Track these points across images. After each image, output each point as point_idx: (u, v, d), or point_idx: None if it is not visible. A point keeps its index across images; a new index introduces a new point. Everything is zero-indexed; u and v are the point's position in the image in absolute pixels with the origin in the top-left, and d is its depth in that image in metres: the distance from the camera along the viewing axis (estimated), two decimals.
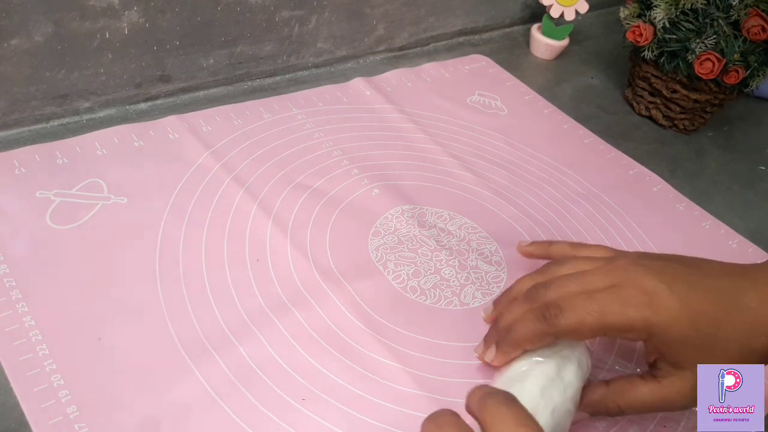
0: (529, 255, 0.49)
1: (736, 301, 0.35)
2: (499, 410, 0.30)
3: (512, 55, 0.81)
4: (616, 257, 0.39)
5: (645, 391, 0.37)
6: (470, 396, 0.32)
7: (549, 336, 0.36)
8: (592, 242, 0.56)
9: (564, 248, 0.45)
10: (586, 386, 0.39)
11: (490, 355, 0.39)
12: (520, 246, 0.49)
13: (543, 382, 0.36)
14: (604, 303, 0.35)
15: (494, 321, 0.42)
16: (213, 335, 0.43)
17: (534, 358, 0.38)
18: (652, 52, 0.67)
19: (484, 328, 0.47)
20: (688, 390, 0.36)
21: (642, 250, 0.56)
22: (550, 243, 0.48)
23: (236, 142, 0.58)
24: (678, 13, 0.65)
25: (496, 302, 0.44)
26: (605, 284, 0.36)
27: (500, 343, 0.38)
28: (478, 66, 0.77)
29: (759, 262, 0.57)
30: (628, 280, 0.36)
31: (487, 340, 0.41)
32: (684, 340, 0.35)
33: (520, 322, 0.37)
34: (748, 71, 0.64)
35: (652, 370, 0.38)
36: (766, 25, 0.62)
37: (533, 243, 0.48)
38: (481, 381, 0.44)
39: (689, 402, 0.37)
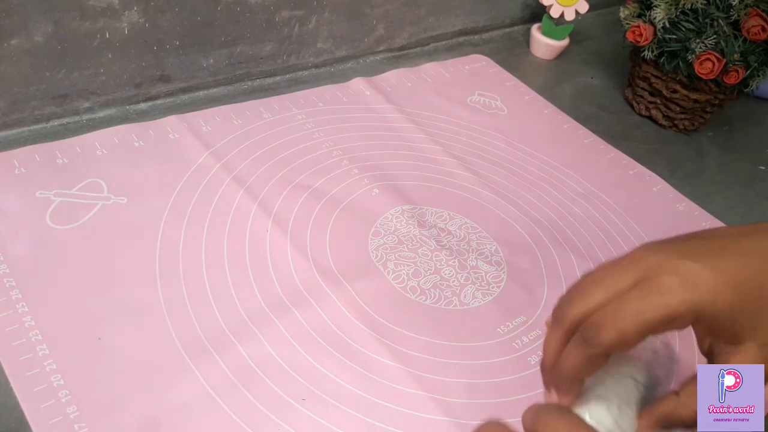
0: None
1: (764, 255, 0.33)
2: (552, 419, 0.30)
3: (512, 55, 0.81)
4: (629, 252, 0.36)
5: None
6: (525, 414, 0.32)
7: (597, 357, 0.34)
8: (593, 243, 0.56)
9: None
10: (656, 402, 0.37)
11: (553, 399, 0.36)
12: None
13: (601, 409, 0.35)
14: (637, 302, 0.33)
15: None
16: (213, 335, 0.43)
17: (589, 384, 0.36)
18: (652, 52, 0.67)
19: (484, 328, 0.48)
20: (758, 361, 0.33)
21: None
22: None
23: (236, 142, 0.58)
24: (678, 13, 0.65)
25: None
26: (630, 281, 0.33)
27: (556, 385, 0.36)
28: (478, 66, 0.77)
29: None
30: (651, 269, 0.33)
31: (546, 387, 0.38)
32: (732, 309, 0.32)
33: (564, 356, 0.35)
34: (748, 71, 0.64)
35: (711, 358, 0.35)
36: (766, 25, 0.62)
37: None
38: (482, 381, 0.44)
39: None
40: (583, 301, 0.35)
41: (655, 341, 0.40)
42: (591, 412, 0.35)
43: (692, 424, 0.36)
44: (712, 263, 0.33)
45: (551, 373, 0.36)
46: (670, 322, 0.33)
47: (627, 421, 0.35)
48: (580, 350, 0.34)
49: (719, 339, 0.34)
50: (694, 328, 0.35)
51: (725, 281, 0.32)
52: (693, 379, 0.35)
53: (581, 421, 0.30)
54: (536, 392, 0.44)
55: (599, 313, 0.34)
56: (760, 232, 0.35)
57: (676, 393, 0.36)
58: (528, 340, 0.47)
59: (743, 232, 0.35)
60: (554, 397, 0.36)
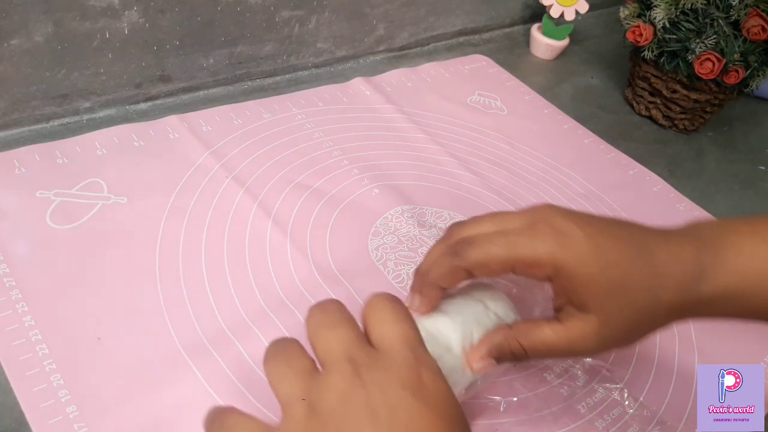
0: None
1: (647, 252, 0.35)
2: (380, 304, 0.32)
3: (512, 55, 0.81)
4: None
5: (548, 332, 0.36)
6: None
7: (460, 270, 0.36)
8: None
9: None
10: (491, 331, 0.38)
11: (415, 302, 0.38)
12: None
13: (448, 324, 0.36)
14: (514, 237, 0.35)
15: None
16: (213, 335, 0.43)
17: (448, 300, 0.38)
18: (652, 52, 0.67)
19: None
20: (591, 334, 0.35)
21: None
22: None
23: (236, 142, 0.58)
24: (678, 13, 0.65)
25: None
26: (520, 224, 0.36)
27: (421, 287, 0.38)
28: (478, 66, 0.77)
29: None
30: (541, 220, 0.36)
31: (412, 290, 0.40)
32: (591, 281, 0.34)
33: (435, 263, 0.37)
34: (748, 71, 0.64)
35: (557, 314, 0.37)
36: (766, 25, 0.62)
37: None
38: None
39: (592, 347, 0.36)
40: (474, 226, 0.38)
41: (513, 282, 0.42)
42: (441, 325, 0.37)
43: (520, 357, 0.38)
44: (593, 237, 0.35)
45: (422, 277, 0.38)
46: (532, 266, 0.35)
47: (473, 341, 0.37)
48: (448, 260, 0.36)
49: (570, 301, 0.36)
50: (552, 284, 0.37)
51: (597, 256, 0.34)
52: (532, 322, 0.38)
53: (407, 314, 0.31)
54: (535, 391, 0.44)
55: (479, 236, 0.36)
56: (651, 231, 0.37)
57: (509, 325, 0.38)
58: None
59: (638, 227, 0.37)
60: (416, 302, 0.38)
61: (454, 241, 0.37)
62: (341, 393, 0.27)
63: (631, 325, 0.35)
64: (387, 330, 0.30)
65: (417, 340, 0.31)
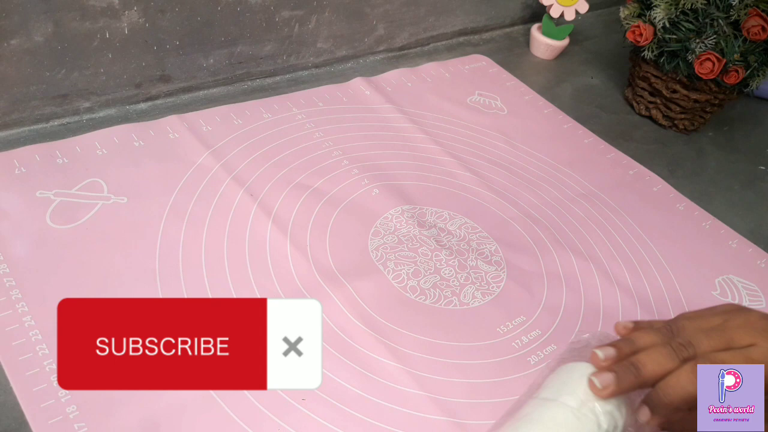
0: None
1: None
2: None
3: (512, 55, 0.81)
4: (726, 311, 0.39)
5: None
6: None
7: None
8: (593, 243, 0.56)
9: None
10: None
11: (645, 416, 0.36)
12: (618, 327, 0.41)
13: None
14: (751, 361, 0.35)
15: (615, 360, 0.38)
16: None
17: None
18: (652, 52, 0.67)
19: (484, 328, 0.47)
20: None
21: (643, 252, 0.56)
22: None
23: (236, 142, 0.58)
24: (678, 13, 0.65)
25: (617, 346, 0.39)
26: (746, 342, 0.36)
27: (654, 406, 0.36)
28: (478, 66, 0.77)
29: (759, 261, 0.58)
30: (739, 338, 0.36)
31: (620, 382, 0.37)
32: None
33: (674, 378, 0.35)
34: (748, 71, 0.64)
35: None
36: (766, 25, 0.62)
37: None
38: (480, 381, 0.44)
39: None
40: (705, 342, 0.36)
41: None
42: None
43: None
44: None
45: (647, 389, 0.36)
46: None
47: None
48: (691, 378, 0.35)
49: None
50: None
51: None
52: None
53: None
54: None
55: (714, 355, 0.36)
56: None
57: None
58: (528, 339, 0.47)
59: None
60: (645, 415, 0.36)
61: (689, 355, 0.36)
62: None
63: None
64: None
65: None
